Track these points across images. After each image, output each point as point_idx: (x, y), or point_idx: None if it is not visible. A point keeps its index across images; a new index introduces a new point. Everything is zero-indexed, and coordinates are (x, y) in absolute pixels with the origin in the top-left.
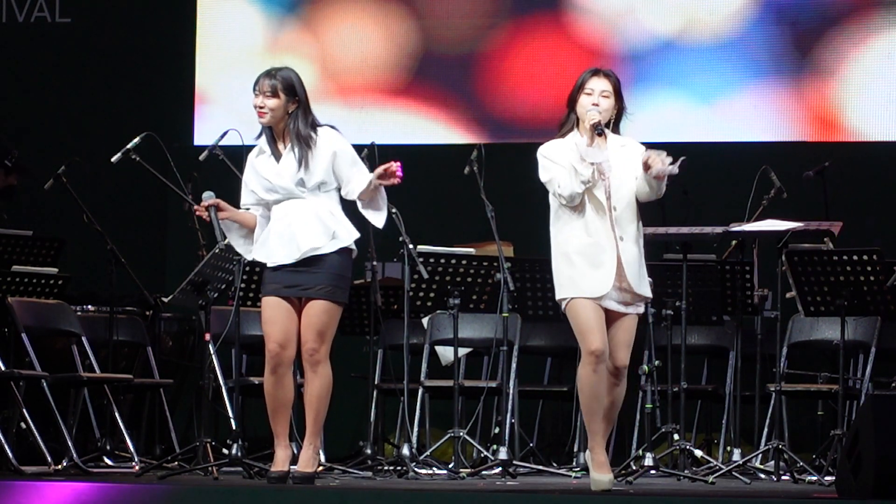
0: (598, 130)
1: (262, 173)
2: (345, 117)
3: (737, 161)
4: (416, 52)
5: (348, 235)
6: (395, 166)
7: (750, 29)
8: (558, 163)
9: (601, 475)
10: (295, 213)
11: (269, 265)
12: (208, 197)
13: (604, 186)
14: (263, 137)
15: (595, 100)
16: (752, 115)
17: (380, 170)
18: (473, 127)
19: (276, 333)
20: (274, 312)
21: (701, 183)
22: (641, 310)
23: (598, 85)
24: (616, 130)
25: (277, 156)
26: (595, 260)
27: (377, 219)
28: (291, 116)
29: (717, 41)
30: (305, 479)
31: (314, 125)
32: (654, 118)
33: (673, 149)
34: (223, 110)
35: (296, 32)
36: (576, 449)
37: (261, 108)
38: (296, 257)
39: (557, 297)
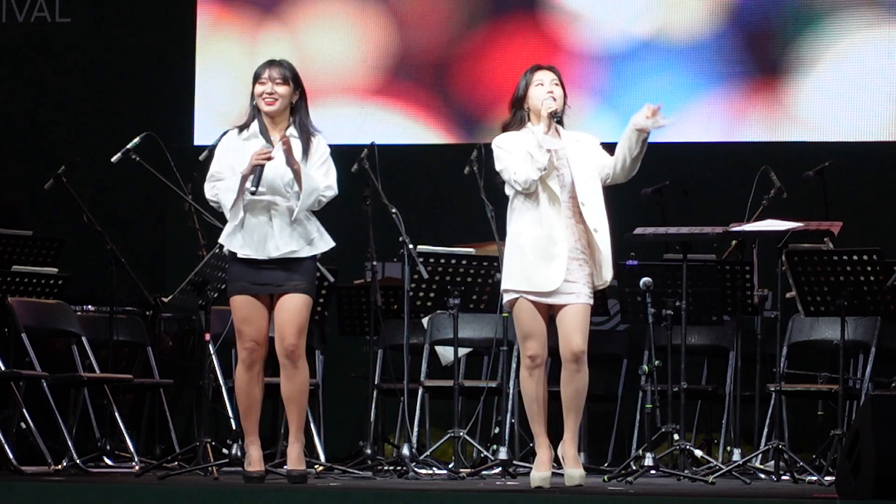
0: (556, 118)
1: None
2: (320, 116)
3: (737, 161)
4: (394, 52)
5: (324, 245)
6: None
7: (737, 27)
8: (512, 152)
9: (539, 473)
10: (276, 211)
11: (239, 255)
12: (268, 148)
13: (557, 178)
14: (256, 123)
15: (549, 89)
16: (738, 115)
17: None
18: (451, 127)
19: (252, 332)
20: (249, 312)
21: (701, 183)
22: (584, 299)
23: (547, 76)
24: (561, 122)
25: (272, 146)
26: (546, 253)
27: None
28: (296, 107)
29: (695, 41)
30: (301, 476)
31: (313, 127)
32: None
33: (670, 148)
34: (223, 110)
35: (274, 32)
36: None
37: (270, 94)
38: (271, 256)
39: (504, 286)
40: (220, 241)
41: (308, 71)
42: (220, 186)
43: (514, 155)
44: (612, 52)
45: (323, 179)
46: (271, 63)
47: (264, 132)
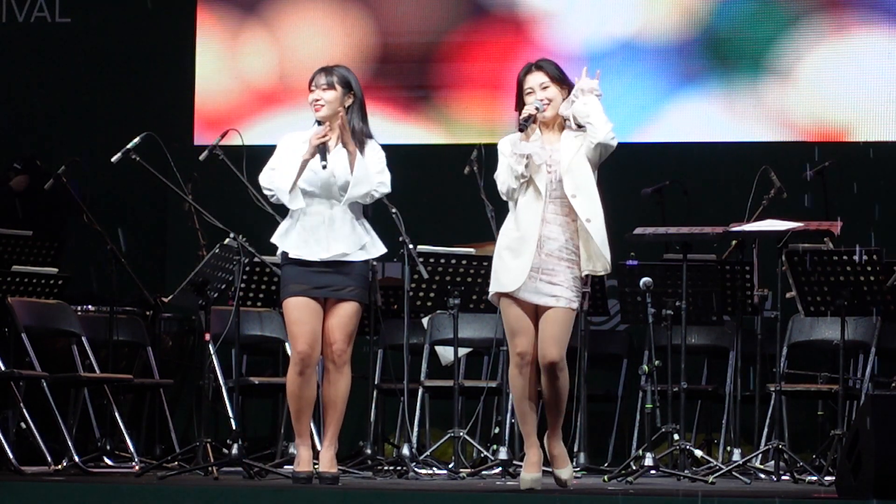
0: (521, 125)
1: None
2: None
3: (737, 161)
4: (375, 53)
5: (376, 250)
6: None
7: (735, 26)
8: (507, 156)
9: (530, 475)
10: (330, 214)
11: (291, 255)
12: (320, 131)
13: (547, 178)
14: (314, 129)
15: (539, 95)
16: (738, 115)
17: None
18: (433, 127)
19: (305, 334)
20: (302, 314)
21: (701, 183)
22: (565, 304)
23: (535, 80)
24: (527, 124)
25: (326, 150)
26: (516, 253)
27: (370, 185)
28: (349, 111)
29: (679, 41)
30: (333, 479)
31: (369, 133)
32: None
33: (670, 148)
34: (223, 110)
35: (255, 32)
36: (576, 449)
37: (317, 100)
38: (323, 258)
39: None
40: (273, 240)
41: (295, 71)
42: (278, 174)
43: (506, 160)
44: (595, 53)
45: (377, 176)
46: (320, 70)
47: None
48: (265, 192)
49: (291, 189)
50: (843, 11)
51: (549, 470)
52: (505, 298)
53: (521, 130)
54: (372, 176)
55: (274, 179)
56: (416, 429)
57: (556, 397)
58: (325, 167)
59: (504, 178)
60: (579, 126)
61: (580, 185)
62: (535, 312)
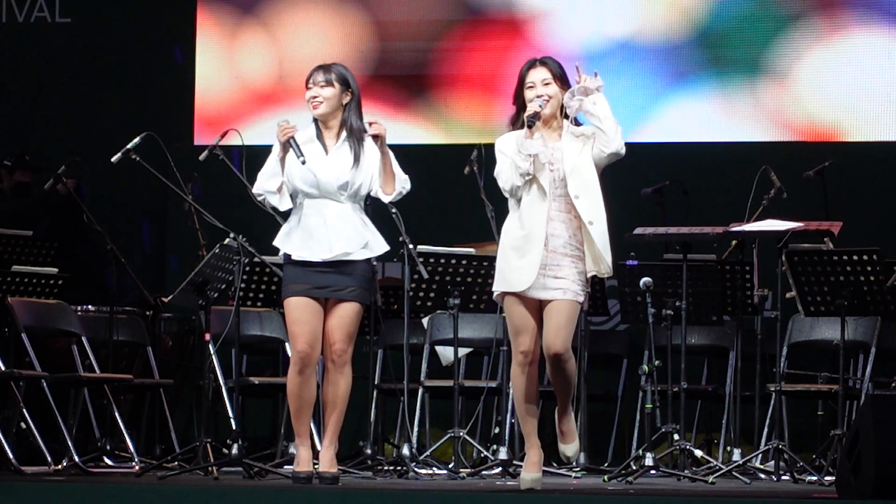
0: (529, 122)
1: (307, 164)
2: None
3: (737, 161)
4: (374, 53)
5: (378, 247)
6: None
7: (735, 26)
8: (507, 154)
9: (530, 474)
10: (331, 214)
11: (294, 257)
12: (285, 122)
13: (550, 176)
14: (313, 127)
15: (539, 91)
16: (738, 115)
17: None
18: (431, 127)
19: (305, 334)
20: (302, 313)
21: (701, 183)
22: (571, 296)
23: (538, 75)
24: (535, 120)
25: (326, 149)
26: (522, 253)
27: (400, 183)
28: (346, 109)
29: (677, 41)
30: (333, 479)
31: (366, 129)
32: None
33: (670, 148)
34: (223, 110)
35: (254, 32)
36: None
37: (315, 97)
38: (325, 258)
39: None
40: (275, 243)
41: (294, 71)
42: (264, 177)
43: (507, 159)
44: (593, 53)
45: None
46: (318, 68)
47: (319, 136)
48: (258, 199)
49: (279, 189)
50: (840, 11)
51: (550, 470)
52: (510, 297)
53: (529, 127)
54: (398, 174)
55: (262, 184)
56: (416, 429)
57: (565, 383)
58: (303, 163)
59: (507, 177)
60: (576, 123)
61: (584, 187)
62: (539, 309)
